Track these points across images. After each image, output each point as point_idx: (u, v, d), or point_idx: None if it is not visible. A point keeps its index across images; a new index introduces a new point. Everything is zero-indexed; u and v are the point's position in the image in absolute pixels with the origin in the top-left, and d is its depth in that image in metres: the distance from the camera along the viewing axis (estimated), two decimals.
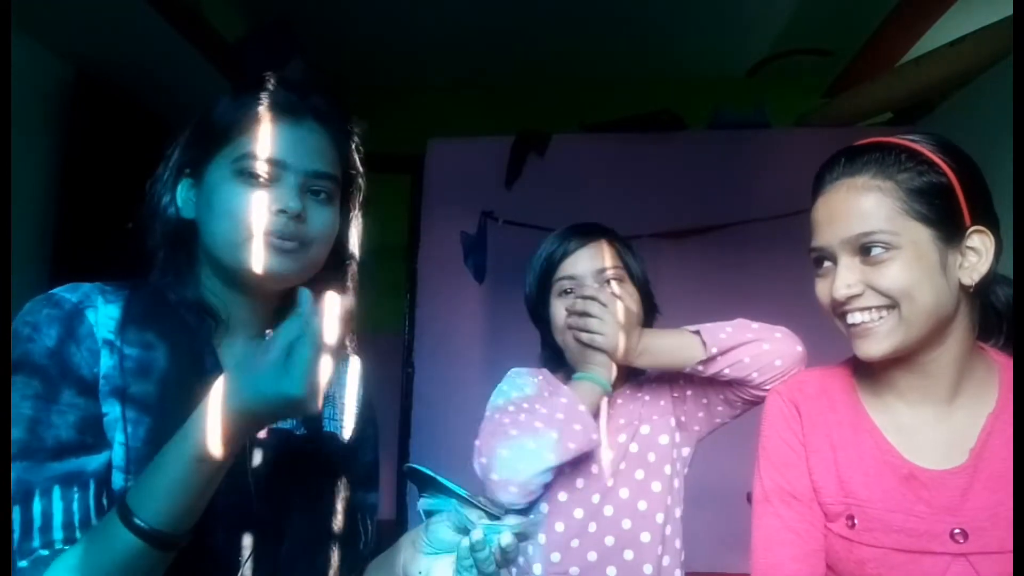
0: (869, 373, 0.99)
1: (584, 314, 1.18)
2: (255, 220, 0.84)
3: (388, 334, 3.17)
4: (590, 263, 1.25)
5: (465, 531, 0.79)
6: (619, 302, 1.19)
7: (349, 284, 0.98)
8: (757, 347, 1.15)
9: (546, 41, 3.35)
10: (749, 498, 1.07)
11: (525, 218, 2.91)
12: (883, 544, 0.91)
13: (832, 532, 0.96)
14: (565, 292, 1.25)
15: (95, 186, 2.55)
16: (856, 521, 0.93)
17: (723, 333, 1.16)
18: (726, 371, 1.16)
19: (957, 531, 0.88)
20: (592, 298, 1.18)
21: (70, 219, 2.50)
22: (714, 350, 1.14)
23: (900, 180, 0.89)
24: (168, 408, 0.78)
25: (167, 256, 0.90)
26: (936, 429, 0.93)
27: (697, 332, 1.17)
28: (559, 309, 1.25)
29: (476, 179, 3.13)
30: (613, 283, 1.24)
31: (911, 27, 2.90)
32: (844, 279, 0.91)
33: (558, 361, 1.31)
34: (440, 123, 3.35)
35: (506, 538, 0.78)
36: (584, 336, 1.18)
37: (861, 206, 0.90)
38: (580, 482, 1.22)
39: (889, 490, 0.92)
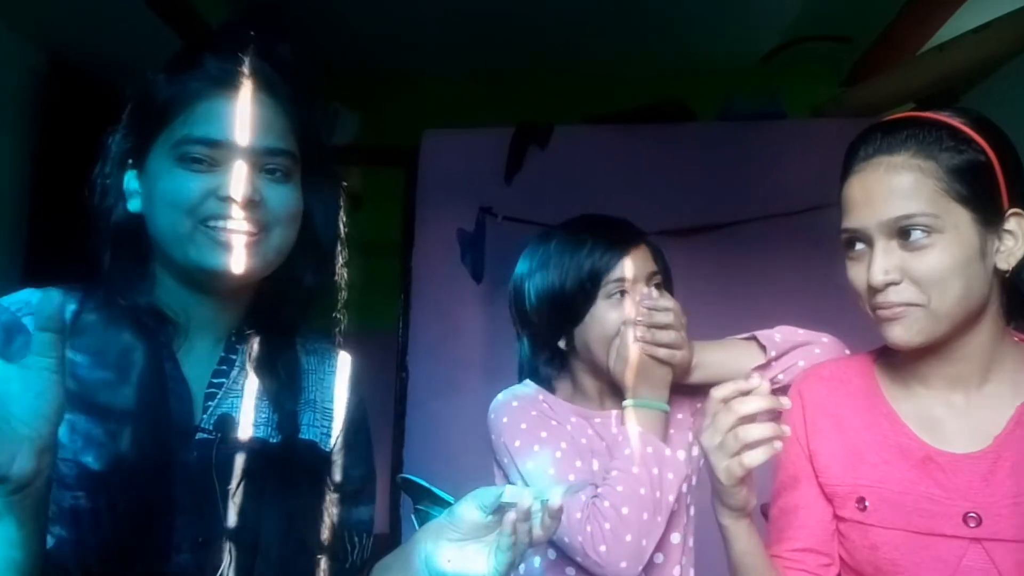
0: (893, 358, 1.00)
1: (656, 326, 1.07)
2: (201, 211, 0.79)
3: (381, 336, 3.09)
4: (643, 265, 1.15)
5: (498, 509, 0.79)
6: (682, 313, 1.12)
7: (330, 274, 0.92)
8: (809, 350, 1.11)
9: (547, 28, 3.27)
10: (763, 511, 1.07)
11: (525, 214, 2.84)
12: (895, 525, 0.91)
13: (845, 519, 0.96)
14: (614, 295, 1.13)
15: (70, 180, 2.49)
16: (867, 503, 0.94)
17: (777, 336, 1.11)
18: (780, 376, 1.10)
19: (971, 515, 0.88)
20: (667, 308, 1.08)
21: (44, 213, 2.46)
22: (773, 353, 1.10)
23: (941, 159, 0.87)
24: (123, 419, 0.76)
25: (115, 256, 0.85)
26: (961, 414, 0.93)
27: (752, 338, 1.12)
28: (609, 314, 1.11)
29: (474, 173, 3.06)
30: (663, 290, 1.17)
31: (934, 12, 2.80)
32: (881, 264, 0.88)
33: (551, 372, 1.21)
34: (436, 114, 3.27)
35: (556, 501, 0.79)
36: (662, 352, 1.07)
37: (902, 186, 0.88)
38: None
39: (903, 472, 0.93)
